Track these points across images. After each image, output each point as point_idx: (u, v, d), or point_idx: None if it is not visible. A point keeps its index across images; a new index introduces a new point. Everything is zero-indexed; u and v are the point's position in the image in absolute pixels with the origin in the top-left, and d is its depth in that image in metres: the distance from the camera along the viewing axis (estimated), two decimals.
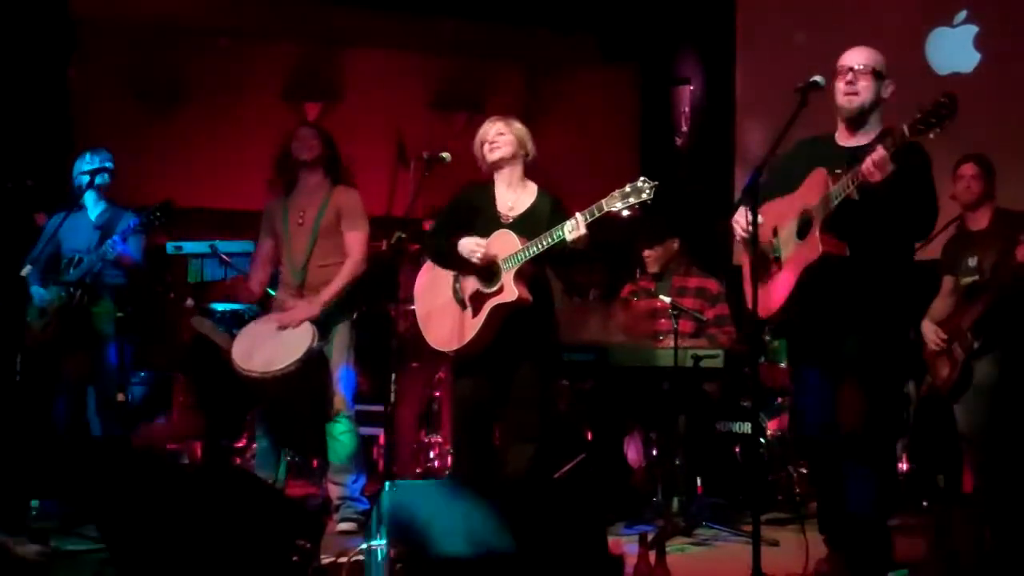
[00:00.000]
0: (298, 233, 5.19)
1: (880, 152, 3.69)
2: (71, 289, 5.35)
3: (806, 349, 4.14)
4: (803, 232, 3.95)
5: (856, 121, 4.01)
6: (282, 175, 5.27)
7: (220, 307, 6.13)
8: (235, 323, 5.78)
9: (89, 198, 5.55)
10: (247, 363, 5.01)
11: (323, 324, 5.08)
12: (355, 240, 5.16)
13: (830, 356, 4.03)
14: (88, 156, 5.55)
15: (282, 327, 5.05)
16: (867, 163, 3.71)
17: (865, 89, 3.96)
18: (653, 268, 6.02)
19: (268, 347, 5.02)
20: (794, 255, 3.96)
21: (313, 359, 5.00)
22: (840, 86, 3.98)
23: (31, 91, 6.85)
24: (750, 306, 4.28)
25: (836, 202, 3.81)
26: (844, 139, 4.07)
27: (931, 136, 3.65)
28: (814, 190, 3.92)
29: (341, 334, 5.16)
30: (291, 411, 5.19)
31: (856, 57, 4.00)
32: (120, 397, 5.47)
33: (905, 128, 3.66)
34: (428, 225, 6.06)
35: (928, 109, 3.62)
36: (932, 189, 3.95)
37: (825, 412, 4.04)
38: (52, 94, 7.08)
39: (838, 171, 3.87)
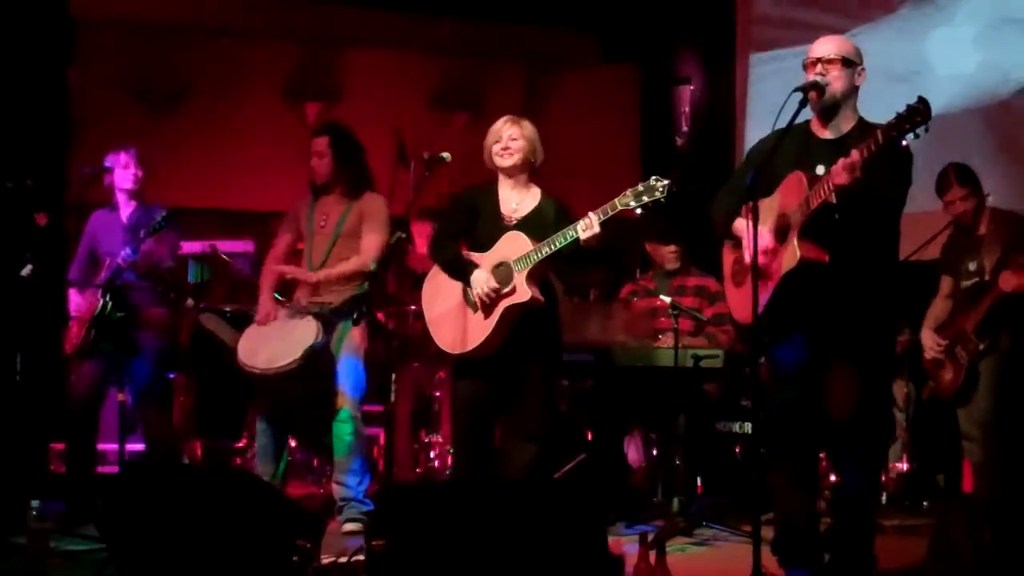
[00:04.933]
0: (320, 234, 5.20)
1: (853, 158, 3.65)
2: (100, 295, 5.35)
3: (788, 339, 4.06)
4: (781, 237, 3.91)
5: (830, 111, 3.94)
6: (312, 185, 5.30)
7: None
8: (241, 322, 5.77)
9: (120, 197, 5.59)
10: (251, 360, 5.02)
11: (330, 323, 5.08)
12: (370, 241, 5.13)
13: (813, 345, 3.97)
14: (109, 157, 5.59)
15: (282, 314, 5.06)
16: (838, 166, 3.68)
17: (836, 79, 3.89)
18: (674, 264, 6.02)
19: (272, 344, 5.02)
20: (772, 261, 3.92)
21: (318, 356, 5.00)
22: (810, 78, 3.90)
23: (31, 91, 6.85)
24: (733, 310, 4.29)
25: (813, 207, 3.76)
26: (820, 130, 4.00)
27: (905, 142, 3.64)
28: (791, 194, 3.87)
29: (351, 334, 5.15)
30: (295, 408, 5.20)
31: (823, 48, 3.94)
32: (120, 398, 5.47)
33: (879, 132, 3.64)
34: (415, 225, 6.06)
35: (902, 115, 3.58)
36: (907, 184, 3.89)
37: (806, 398, 3.98)
38: (52, 94, 7.07)
39: (819, 169, 3.82)
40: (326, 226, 5.19)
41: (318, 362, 5.03)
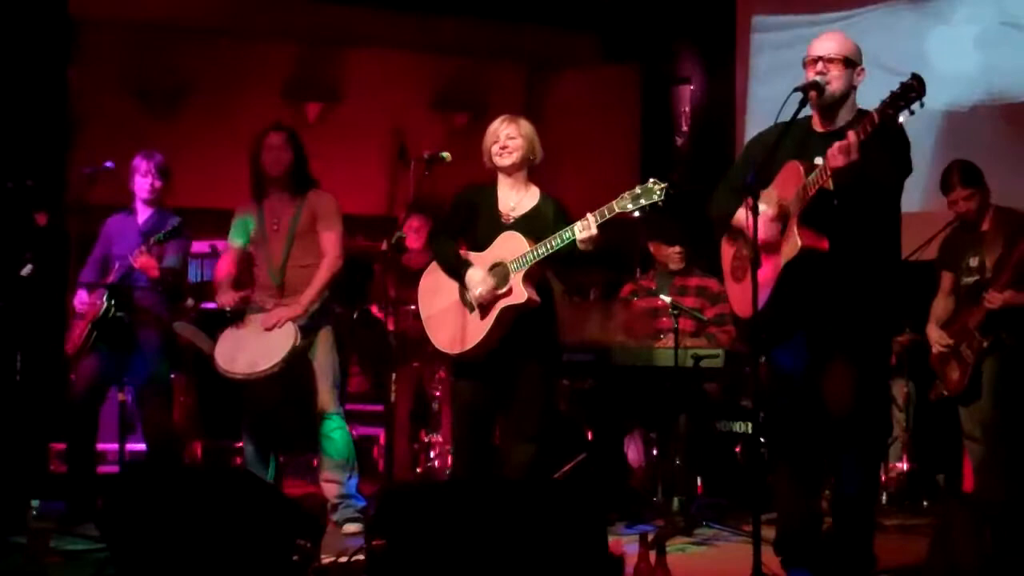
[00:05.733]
0: (274, 237, 5.19)
1: (849, 139, 3.63)
2: (104, 297, 5.38)
3: (788, 342, 4.05)
4: (782, 228, 3.88)
5: (829, 109, 3.92)
6: (255, 186, 5.27)
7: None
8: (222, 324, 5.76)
9: (137, 202, 5.62)
10: (231, 365, 5.01)
11: (307, 324, 5.08)
12: (330, 240, 5.16)
13: (813, 347, 3.97)
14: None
15: (267, 328, 5.05)
16: (833, 148, 3.65)
17: (836, 78, 3.86)
18: (679, 265, 6.03)
19: (251, 349, 5.02)
20: (772, 251, 3.90)
21: (297, 359, 5.00)
22: (810, 76, 3.88)
23: (31, 91, 6.85)
24: (733, 305, 4.28)
25: (811, 194, 3.74)
26: (819, 126, 3.98)
27: (902, 119, 3.62)
28: (789, 183, 3.86)
29: (325, 334, 5.16)
30: (277, 412, 5.19)
31: (825, 45, 3.91)
32: (121, 398, 5.47)
33: (875, 113, 3.62)
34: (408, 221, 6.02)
35: (896, 92, 3.57)
36: (906, 170, 3.88)
37: (807, 403, 3.98)
38: (52, 94, 7.07)
39: (817, 161, 3.79)
40: (280, 228, 5.18)
41: (298, 365, 5.04)
